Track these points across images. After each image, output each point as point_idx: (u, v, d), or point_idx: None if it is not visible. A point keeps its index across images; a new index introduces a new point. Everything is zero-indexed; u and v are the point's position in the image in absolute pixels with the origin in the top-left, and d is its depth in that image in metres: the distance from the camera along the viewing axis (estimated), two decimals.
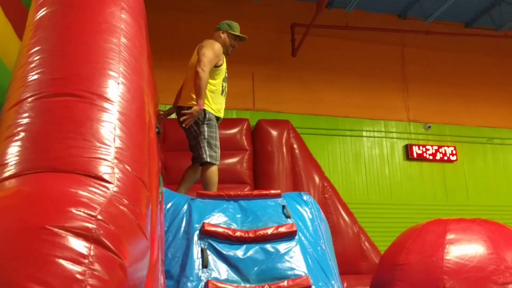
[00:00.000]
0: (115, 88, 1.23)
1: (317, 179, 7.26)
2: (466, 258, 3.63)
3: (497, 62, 10.76)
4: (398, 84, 9.89)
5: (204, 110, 4.28)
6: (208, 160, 4.19)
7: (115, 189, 1.04)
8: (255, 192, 3.74)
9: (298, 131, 7.64)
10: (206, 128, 4.27)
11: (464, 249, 3.71)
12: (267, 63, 9.09)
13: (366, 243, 7.05)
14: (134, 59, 1.35)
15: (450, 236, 3.83)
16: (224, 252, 3.15)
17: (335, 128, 9.12)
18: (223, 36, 4.59)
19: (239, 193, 3.64)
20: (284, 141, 7.28)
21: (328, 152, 8.99)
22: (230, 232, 3.26)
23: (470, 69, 10.48)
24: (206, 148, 4.22)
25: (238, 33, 4.67)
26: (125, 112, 1.19)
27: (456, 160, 9.68)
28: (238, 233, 3.30)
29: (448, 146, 9.68)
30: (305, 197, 3.89)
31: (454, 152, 9.66)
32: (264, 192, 3.73)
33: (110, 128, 1.13)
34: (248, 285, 3.08)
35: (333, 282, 3.34)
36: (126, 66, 1.29)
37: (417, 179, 9.42)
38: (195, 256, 3.02)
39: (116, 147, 1.11)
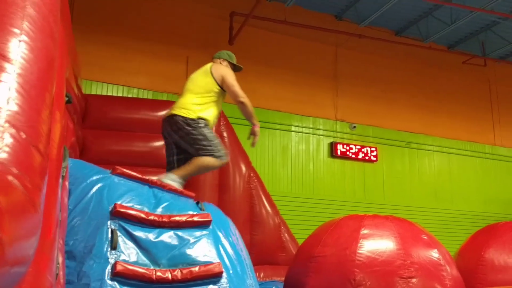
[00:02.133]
0: (15, 45, 1.11)
1: (243, 168, 7.25)
2: (377, 253, 3.78)
3: (421, 70, 11.33)
4: (329, 83, 10.14)
5: (203, 118, 4.37)
6: (215, 154, 4.33)
7: (3, 155, 0.94)
8: (169, 187, 3.63)
9: (230, 120, 7.60)
10: (204, 130, 4.31)
11: (376, 244, 3.85)
12: (203, 48, 8.95)
13: (286, 235, 7.16)
14: (42, 18, 1.23)
15: (364, 231, 3.97)
16: (136, 235, 3.04)
17: (265, 120, 9.17)
18: (224, 64, 4.83)
19: (154, 181, 3.52)
20: (214, 128, 7.18)
21: (257, 143, 8.99)
22: (143, 215, 3.16)
23: (396, 75, 10.95)
24: (212, 147, 4.29)
25: (235, 63, 4.95)
26: (24, 73, 1.08)
27: (376, 160, 10.10)
28: (151, 217, 3.21)
29: (370, 147, 10.07)
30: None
31: (375, 153, 10.07)
32: (178, 190, 3.65)
33: (4, 88, 1.02)
34: (158, 268, 3.01)
35: (243, 270, 3.34)
36: (32, 23, 1.17)
37: (339, 176, 9.72)
38: (104, 237, 2.89)
39: (9, 110, 1.00)
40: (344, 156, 9.78)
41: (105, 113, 6.41)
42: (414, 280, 3.66)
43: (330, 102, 10.08)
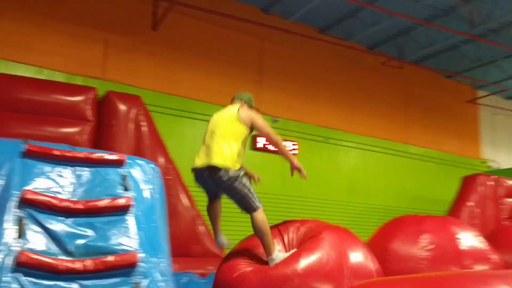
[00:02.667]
0: None
1: (161, 160, 7.10)
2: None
3: (342, 69, 11.73)
4: (253, 76, 10.19)
5: (241, 166, 4.39)
6: (259, 205, 4.32)
7: None
8: (95, 156, 3.37)
9: (149, 108, 7.39)
10: (244, 180, 4.34)
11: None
12: (124, 32, 8.64)
13: (201, 227, 7.11)
14: None
15: None
16: (46, 224, 2.88)
17: (187, 110, 9.05)
18: (245, 106, 4.78)
19: (77, 155, 3.28)
20: (132, 117, 6.96)
21: (177, 133, 8.88)
22: (55, 202, 2.98)
23: (319, 72, 11.25)
24: (253, 196, 4.35)
25: (253, 106, 4.90)
26: None
27: (297, 154, 10.33)
28: (65, 204, 3.04)
29: (291, 141, 10.27)
30: (150, 168, 3.67)
31: (296, 146, 10.28)
32: (106, 156, 3.40)
33: None
34: (69, 258, 2.86)
35: (162, 259, 3.25)
36: None
37: (259, 169, 9.72)
38: (9, 225, 2.70)
39: None
40: (264, 149, 9.90)
41: (13, 94, 5.99)
42: None
43: (254, 95, 10.08)
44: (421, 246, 5.34)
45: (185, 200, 7.06)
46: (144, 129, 7.01)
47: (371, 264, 4.13)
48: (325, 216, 10.15)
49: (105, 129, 6.71)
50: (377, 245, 5.62)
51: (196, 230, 7.02)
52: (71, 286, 2.70)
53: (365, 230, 9.97)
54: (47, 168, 3.09)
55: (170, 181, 7.01)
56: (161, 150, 7.16)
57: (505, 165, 14.75)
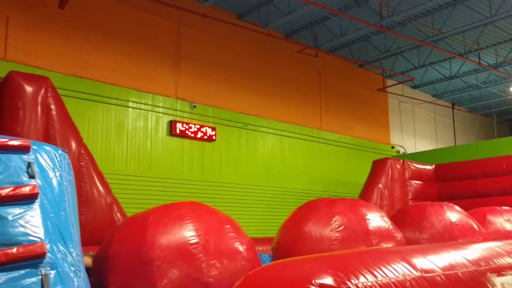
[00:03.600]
0: None
1: (73, 145, 6.78)
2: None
3: (259, 56, 11.87)
4: (170, 60, 10.01)
5: None
6: None
7: None
8: None
9: (59, 92, 7.01)
10: None
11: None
12: (27, 9, 8.07)
13: (118, 215, 6.93)
14: None
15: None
16: None
17: (100, 94, 8.71)
18: None
19: None
20: (40, 99, 6.55)
21: (90, 118, 8.54)
22: None
23: (237, 58, 11.30)
24: None
25: None
26: None
27: (215, 140, 10.35)
28: None
29: (209, 127, 10.27)
30: (58, 154, 3.49)
31: (214, 132, 10.30)
32: (9, 142, 3.17)
33: None
34: None
35: (71, 250, 3.13)
36: None
37: (177, 155, 9.73)
38: None
39: None
40: (183, 135, 9.82)
41: None
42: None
43: (171, 79, 9.98)
44: (333, 228, 5.60)
45: (100, 187, 6.82)
46: (54, 112, 6.64)
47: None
48: (243, 200, 10.33)
49: (9, 113, 6.26)
50: (291, 228, 5.81)
51: (113, 217, 6.84)
52: None
53: (282, 213, 10.27)
54: None
55: (84, 167, 6.74)
56: (73, 135, 6.83)
57: (410, 150, 15.84)
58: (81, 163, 6.74)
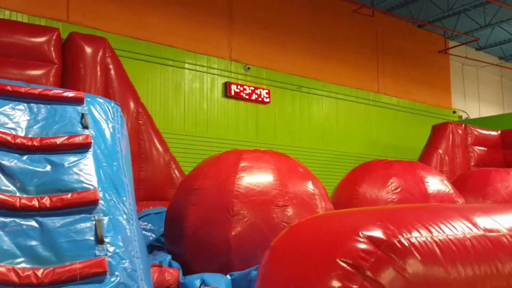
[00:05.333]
0: None
1: (132, 104, 6.94)
2: (254, 184, 3.85)
3: (314, 16, 11.51)
4: (224, 22, 9.91)
5: None
6: None
7: None
8: (53, 92, 3.26)
9: (117, 53, 7.14)
10: None
11: (254, 176, 3.92)
12: None
13: (176, 172, 7.09)
14: None
15: (243, 164, 4.01)
16: (0, 160, 2.80)
17: (157, 55, 8.80)
18: None
19: (32, 91, 3.18)
20: (99, 59, 6.71)
21: (148, 79, 8.68)
22: (8, 138, 2.89)
23: (291, 19, 11.02)
24: None
25: None
26: None
27: (269, 102, 10.27)
28: (19, 140, 2.96)
29: (263, 89, 10.19)
30: (110, 107, 3.58)
31: (268, 94, 10.21)
32: (64, 94, 3.29)
33: None
34: (25, 195, 2.81)
35: (124, 199, 3.21)
36: None
37: (232, 116, 9.76)
38: None
39: None
40: (238, 96, 9.80)
41: None
42: (289, 208, 3.81)
43: (225, 41, 9.90)
44: (389, 190, 5.45)
45: (158, 145, 6.99)
46: (112, 72, 6.80)
47: None
48: None
49: (71, 72, 6.48)
50: (346, 189, 5.71)
51: (171, 174, 7.01)
52: (28, 223, 2.66)
53: (336, 177, 10.11)
54: (1, 104, 2.98)
55: (142, 125, 6.91)
56: (131, 94, 6.98)
57: (473, 116, 15.04)
58: (140, 122, 6.91)
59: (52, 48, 6.34)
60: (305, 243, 1.89)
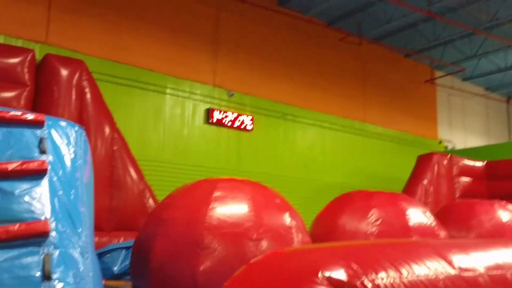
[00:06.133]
0: None
1: (107, 129, 6.75)
2: (227, 215, 3.65)
3: (300, 44, 11.53)
4: (208, 47, 9.85)
5: None
6: None
7: None
8: (10, 114, 3.07)
9: (95, 76, 6.97)
10: None
11: (227, 206, 3.72)
12: None
13: (151, 201, 6.86)
14: None
15: (216, 194, 3.81)
16: None
17: (137, 80, 8.66)
18: None
19: None
20: (74, 82, 6.54)
21: (127, 104, 8.51)
22: None
23: (277, 46, 11.01)
24: None
25: None
26: None
27: (252, 129, 10.14)
28: None
29: (247, 115, 10.06)
30: (74, 130, 3.38)
31: (251, 121, 10.09)
32: (22, 116, 3.10)
33: None
34: None
35: (79, 230, 2.98)
36: None
37: (214, 143, 9.59)
38: None
39: None
40: (220, 123, 9.66)
41: None
42: (263, 242, 3.60)
43: (209, 66, 9.82)
44: (369, 222, 5.26)
45: (132, 173, 6.76)
46: (88, 96, 6.62)
47: None
48: (280, 192, 10.05)
49: (44, 95, 6.29)
50: (325, 221, 5.52)
51: (145, 204, 6.77)
52: None
53: (319, 207, 9.93)
54: None
55: (117, 152, 6.70)
56: (106, 119, 6.79)
57: (459, 146, 15.04)
58: (114, 148, 6.71)
59: (25, 70, 6.16)
60: (259, 285, 1.69)
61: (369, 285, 1.64)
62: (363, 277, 1.66)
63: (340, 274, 1.63)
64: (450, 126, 15.39)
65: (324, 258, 1.72)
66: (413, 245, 2.09)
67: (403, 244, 2.07)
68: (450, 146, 15.00)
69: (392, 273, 1.77)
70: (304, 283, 1.59)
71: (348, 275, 1.64)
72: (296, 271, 1.67)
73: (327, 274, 1.61)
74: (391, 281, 1.73)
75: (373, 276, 1.70)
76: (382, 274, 1.73)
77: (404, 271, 1.82)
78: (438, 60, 14.02)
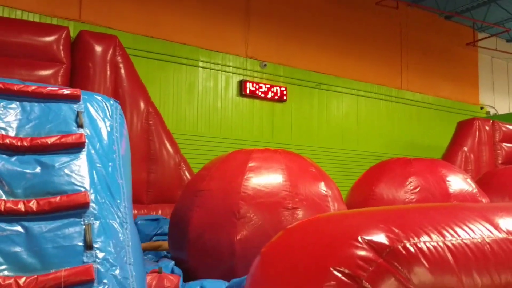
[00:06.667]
0: None
1: (142, 104, 6.83)
2: (262, 185, 3.64)
3: (334, 9, 11.20)
4: (240, 18, 9.72)
5: None
6: None
7: None
8: (47, 90, 3.13)
9: (129, 52, 7.04)
10: None
11: (262, 176, 3.71)
12: None
13: (187, 174, 6.95)
14: None
15: (251, 164, 3.81)
16: None
17: (170, 54, 8.66)
18: None
19: (25, 89, 3.05)
20: (108, 58, 6.63)
21: (161, 79, 8.55)
22: None
23: (310, 14, 10.75)
24: None
25: None
26: None
27: (286, 100, 10.03)
28: (8, 140, 2.84)
29: (280, 86, 9.95)
30: (109, 104, 3.42)
31: (285, 92, 9.97)
32: (59, 91, 3.16)
33: None
34: (12, 199, 2.67)
35: (118, 201, 3.03)
36: None
37: (247, 116, 9.56)
38: None
39: None
40: (253, 95, 9.59)
41: None
42: (299, 211, 3.58)
43: (241, 38, 9.70)
44: (407, 189, 5.17)
45: (168, 146, 6.85)
46: (122, 71, 6.69)
47: None
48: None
49: (80, 72, 6.40)
50: (362, 190, 5.45)
51: (181, 176, 6.87)
52: (13, 228, 2.52)
53: (356, 178, 9.83)
54: None
55: (152, 126, 6.79)
56: (141, 93, 6.87)
57: (502, 111, 14.48)
58: (150, 122, 6.79)
59: (61, 48, 6.27)
60: (297, 249, 1.67)
61: (412, 248, 1.59)
62: (405, 241, 1.62)
63: (381, 237, 1.58)
64: (492, 91, 14.79)
65: (364, 222, 1.68)
66: (457, 208, 2.01)
67: (446, 208, 1.99)
68: (492, 112, 14.46)
69: (435, 236, 1.72)
70: (344, 247, 1.56)
71: (390, 239, 1.59)
72: (335, 235, 1.64)
73: (367, 238, 1.57)
74: (434, 244, 1.68)
75: (416, 239, 1.65)
76: (424, 238, 1.68)
77: (447, 235, 1.76)
78: (481, 21, 13.37)
